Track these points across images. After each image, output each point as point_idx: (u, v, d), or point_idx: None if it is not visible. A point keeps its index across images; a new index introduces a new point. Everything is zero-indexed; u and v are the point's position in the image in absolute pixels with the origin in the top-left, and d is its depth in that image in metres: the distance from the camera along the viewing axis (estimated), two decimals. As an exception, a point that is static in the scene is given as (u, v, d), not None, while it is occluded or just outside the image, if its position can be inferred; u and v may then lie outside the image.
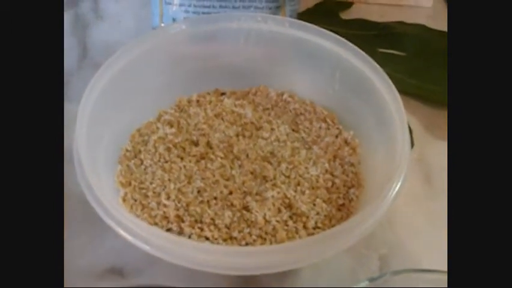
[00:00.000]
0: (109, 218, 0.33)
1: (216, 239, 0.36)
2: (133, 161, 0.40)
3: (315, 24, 0.44)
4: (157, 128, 0.42)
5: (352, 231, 0.33)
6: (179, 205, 0.37)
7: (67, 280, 0.41)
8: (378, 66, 0.41)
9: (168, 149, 0.40)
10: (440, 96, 0.52)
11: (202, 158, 0.40)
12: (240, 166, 0.39)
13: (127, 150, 0.41)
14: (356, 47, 0.42)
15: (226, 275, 0.39)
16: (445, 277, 0.37)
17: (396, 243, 0.43)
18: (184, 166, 0.39)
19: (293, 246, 0.33)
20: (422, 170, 0.48)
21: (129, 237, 0.32)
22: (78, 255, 0.42)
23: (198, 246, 0.33)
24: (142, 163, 0.40)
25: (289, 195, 0.38)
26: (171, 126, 0.42)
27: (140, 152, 0.41)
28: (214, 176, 0.39)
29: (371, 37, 0.57)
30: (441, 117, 0.51)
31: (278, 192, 0.38)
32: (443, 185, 0.47)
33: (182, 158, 0.40)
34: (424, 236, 0.44)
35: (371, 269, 0.41)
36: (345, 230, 0.33)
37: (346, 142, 0.42)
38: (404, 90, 0.43)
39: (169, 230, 0.36)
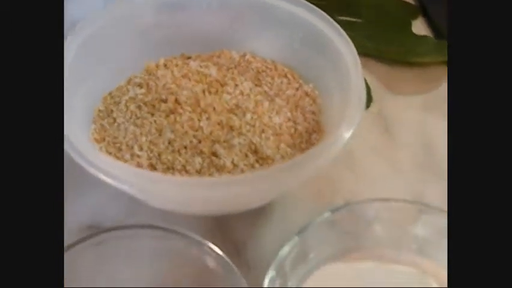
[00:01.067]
0: (89, 165, 0.35)
1: (187, 183, 0.38)
2: (106, 120, 0.42)
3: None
4: (127, 90, 0.44)
5: (307, 163, 0.35)
6: (151, 155, 0.39)
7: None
8: (333, 21, 0.44)
9: (139, 107, 0.42)
10: (396, 56, 0.55)
11: (172, 112, 0.42)
12: (207, 118, 0.42)
13: (99, 111, 0.43)
14: (312, 6, 0.45)
15: (201, 221, 0.42)
16: (409, 205, 0.40)
17: (359, 191, 0.46)
18: (155, 121, 0.41)
19: (254, 176, 0.36)
20: (382, 123, 0.51)
21: (109, 180, 0.35)
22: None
23: (171, 180, 0.35)
24: (114, 121, 0.42)
25: (254, 141, 0.40)
26: (141, 87, 0.44)
27: (112, 111, 0.43)
28: (183, 127, 0.41)
29: (330, 6, 0.60)
30: (398, 75, 0.55)
31: (244, 139, 0.40)
32: (401, 136, 0.50)
33: (152, 114, 0.42)
34: (384, 182, 0.47)
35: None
36: (302, 162, 0.35)
37: (307, 94, 0.45)
38: (363, 52, 0.46)
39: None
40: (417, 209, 0.39)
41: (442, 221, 0.38)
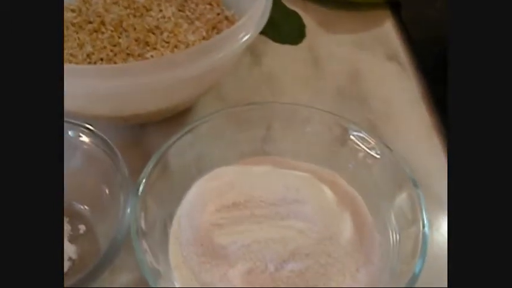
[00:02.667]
0: None
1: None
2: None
3: None
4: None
5: (217, 48, 0.38)
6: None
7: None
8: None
9: (66, 27, 0.46)
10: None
11: (95, 31, 0.45)
12: (126, 36, 0.45)
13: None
14: None
15: (119, 132, 0.44)
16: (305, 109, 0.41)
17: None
18: (78, 37, 0.45)
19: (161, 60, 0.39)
20: (311, 57, 0.53)
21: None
22: None
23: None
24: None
25: (166, 54, 0.43)
26: (73, 12, 0.48)
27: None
28: (103, 43, 0.44)
29: None
30: (334, 16, 0.57)
31: (157, 53, 0.43)
32: (328, 69, 0.52)
33: (77, 32, 0.45)
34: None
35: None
36: (210, 45, 0.38)
37: (227, 18, 0.47)
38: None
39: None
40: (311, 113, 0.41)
41: (339, 130, 0.40)
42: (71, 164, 0.38)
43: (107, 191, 0.38)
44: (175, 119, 0.46)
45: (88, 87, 0.37)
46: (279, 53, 0.52)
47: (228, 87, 0.48)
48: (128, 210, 0.34)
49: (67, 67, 0.38)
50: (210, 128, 0.40)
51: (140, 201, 0.35)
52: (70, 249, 0.38)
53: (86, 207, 0.40)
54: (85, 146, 0.38)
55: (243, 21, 0.40)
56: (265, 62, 0.51)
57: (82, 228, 0.39)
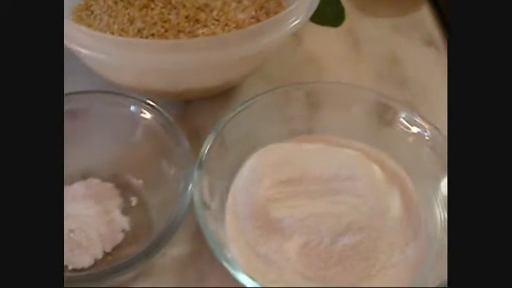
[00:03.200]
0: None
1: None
2: (84, 12, 0.46)
3: None
4: (106, -11, 0.48)
5: (269, 30, 0.39)
6: (121, 39, 0.43)
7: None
8: None
9: (115, 3, 0.46)
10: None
11: (145, 7, 0.45)
12: (176, 13, 0.45)
13: (79, 5, 0.47)
14: None
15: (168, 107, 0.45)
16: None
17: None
18: (128, 13, 0.45)
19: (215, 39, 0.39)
20: (350, 39, 0.54)
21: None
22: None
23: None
24: (92, 13, 0.46)
25: (217, 32, 0.43)
26: (119, -12, 0.48)
27: (91, 5, 0.46)
28: (153, 19, 0.44)
29: None
30: (371, 0, 0.57)
31: (207, 30, 0.44)
32: (367, 51, 0.53)
33: (127, 8, 0.46)
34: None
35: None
36: (262, 27, 0.39)
37: (272, -2, 0.48)
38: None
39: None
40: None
41: (386, 110, 0.41)
42: (131, 138, 0.39)
43: (163, 165, 0.39)
44: (218, 96, 0.46)
45: (148, 61, 0.38)
46: (319, 34, 0.53)
47: (271, 66, 0.49)
48: (190, 184, 0.35)
49: (127, 40, 0.39)
50: (262, 107, 0.40)
51: (203, 174, 0.36)
52: (122, 221, 0.39)
53: (139, 180, 0.41)
54: (146, 122, 0.38)
55: (294, 6, 0.40)
56: (306, 42, 0.52)
57: (134, 200, 0.40)
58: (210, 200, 0.36)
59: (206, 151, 0.37)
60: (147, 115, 0.39)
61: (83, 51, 0.38)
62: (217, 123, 0.38)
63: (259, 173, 0.38)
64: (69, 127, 0.40)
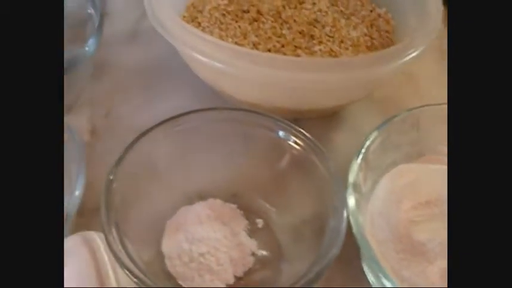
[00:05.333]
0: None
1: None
2: (191, 24, 0.44)
3: None
4: (210, 1, 0.46)
5: (389, 58, 0.38)
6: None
7: (129, 135, 0.44)
8: None
9: (223, 15, 0.45)
10: None
11: (255, 21, 0.44)
12: (288, 28, 0.44)
13: (184, 17, 0.45)
14: None
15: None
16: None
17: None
18: (239, 26, 0.43)
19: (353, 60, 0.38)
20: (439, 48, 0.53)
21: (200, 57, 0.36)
22: (130, 117, 0.45)
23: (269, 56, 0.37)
24: (199, 25, 0.44)
25: (334, 49, 0.42)
26: (222, -1, 0.46)
27: (196, 17, 0.45)
28: (266, 33, 0.43)
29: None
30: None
31: (325, 47, 0.42)
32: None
33: (236, 21, 0.44)
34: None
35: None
36: (384, 55, 0.38)
37: (380, 16, 0.47)
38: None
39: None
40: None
41: None
42: (276, 165, 0.38)
43: (295, 185, 0.37)
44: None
45: (284, 78, 0.36)
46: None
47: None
48: (344, 208, 0.34)
49: (259, 54, 0.38)
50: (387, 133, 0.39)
51: (355, 196, 0.34)
52: (251, 243, 0.37)
53: (263, 200, 0.39)
54: (294, 151, 0.37)
55: (418, 35, 0.40)
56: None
57: (260, 222, 0.39)
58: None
59: (355, 172, 0.35)
60: (295, 142, 0.37)
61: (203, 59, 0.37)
62: (362, 144, 0.37)
63: (398, 195, 0.37)
64: (184, 146, 0.39)
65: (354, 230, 0.33)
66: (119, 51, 0.51)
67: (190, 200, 0.39)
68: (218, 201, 0.39)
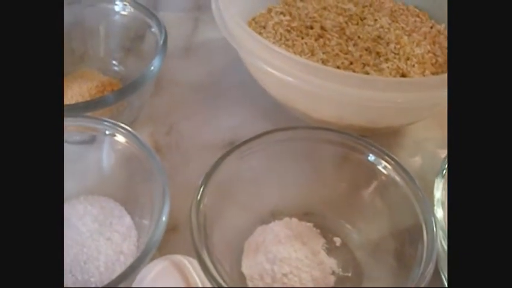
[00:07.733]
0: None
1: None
2: (256, 40, 0.44)
3: None
4: (271, 16, 0.46)
5: None
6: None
7: (193, 152, 0.44)
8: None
9: (287, 31, 0.44)
10: None
11: (320, 37, 0.44)
12: (354, 45, 0.44)
13: (248, 32, 0.45)
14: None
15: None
16: None
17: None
18: (306, 43, 0.43)
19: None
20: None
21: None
22: (196, 134, 0.45)
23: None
24: (264, 41, 0.44)
25: (401, 67, 0.42)
26: (284, 15, 0.46)
27: (261, 33, 0.44)
28: (333, 50, 0.43)
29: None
30: None
31: (392, 65, 0.42)
32: None
33: (302, 38, 0.44)
34: None
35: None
36: None
37: (440, 32, 0.47)
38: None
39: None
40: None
41: None
42: (360, 187, 0.38)
43: (377, 203, 0.37)
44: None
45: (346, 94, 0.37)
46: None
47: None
48: (434, 225, 0.33)
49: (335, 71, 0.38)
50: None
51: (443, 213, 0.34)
52: (331, 262, 0.37)
53: (343, 221, 0.39)
54: (382, 176, 0.37)
55: None
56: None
57: (338, 240, 0.38)
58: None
59: (441, 191, 0.35)
60: (383, 167, 0.37)
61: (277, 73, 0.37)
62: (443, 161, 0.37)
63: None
64: (259, 165, 0.39)
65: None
66: (174, 66, 0.51)
67: (263, 219, 0.39)
68: (294, 220, 0.39)
